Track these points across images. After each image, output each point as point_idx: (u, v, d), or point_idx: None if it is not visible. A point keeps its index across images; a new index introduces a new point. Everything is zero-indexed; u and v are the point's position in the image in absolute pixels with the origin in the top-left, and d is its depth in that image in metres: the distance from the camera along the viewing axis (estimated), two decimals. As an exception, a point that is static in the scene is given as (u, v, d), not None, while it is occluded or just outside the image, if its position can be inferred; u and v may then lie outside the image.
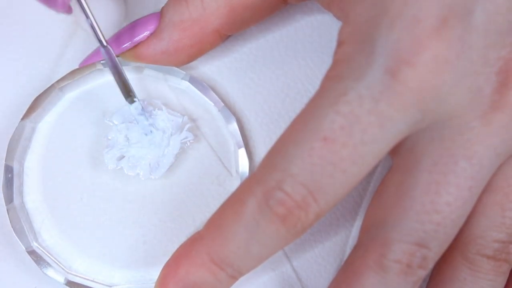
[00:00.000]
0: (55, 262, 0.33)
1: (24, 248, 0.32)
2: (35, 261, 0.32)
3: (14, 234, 0.32)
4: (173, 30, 0.32)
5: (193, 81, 0.34)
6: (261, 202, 0.26)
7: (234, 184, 0.34)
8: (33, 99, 0.33)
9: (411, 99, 0.25)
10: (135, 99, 0.32)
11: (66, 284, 0.32)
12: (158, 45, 0.32)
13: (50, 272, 0.32)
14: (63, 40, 0.35)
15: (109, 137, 0.33)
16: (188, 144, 0.34)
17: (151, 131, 0.33)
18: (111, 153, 0.33)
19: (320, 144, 0.25)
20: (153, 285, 0.28)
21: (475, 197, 0.27)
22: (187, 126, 0.33)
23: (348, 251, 0.34)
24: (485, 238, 0.29)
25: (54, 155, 0.34)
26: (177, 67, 0.33)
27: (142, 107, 0.32)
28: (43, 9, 0.35)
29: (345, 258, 0.32)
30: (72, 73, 0.33)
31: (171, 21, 0.32)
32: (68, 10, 0.29)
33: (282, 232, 0.26)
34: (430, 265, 0.27)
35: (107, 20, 0.34)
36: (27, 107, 0.33)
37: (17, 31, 0.35)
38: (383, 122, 0.25)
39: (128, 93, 0.32)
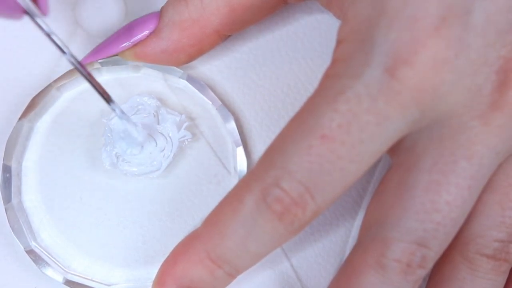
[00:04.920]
0: (54, 261, 0.33)
1: (23, 248, 0.32)
2: (34, 261, 0.32)
3: (13, 234, 0.32)
4: (173, 30, 0.32)
5: (191, 79, 0.34)
6: (259, 199, 0.26)
7: (232, 182, 0.34)
8: (31, 98, 0.33)
9: (409, 98, 0.25)
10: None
11: (65, 284, 0.32)
12: (157, 44, 0.32)
13: (49, 271, 0.32)
14: (63, 40, 0.35)
15: (107, 135, 0.33)
16: (186, 142, 0.34)
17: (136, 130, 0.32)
18: (108, 152, 0.33)
19: (318, 142, 0.25)
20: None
21: (475, 196, 0.27)
22: (185, 124, 0.33)
23: (348, 251, 0.34)
24: (485, 238, 0.29)
25: (52, 154, 0.34)
26: (177, 66, 0.33)
27: (122, 111, 0.31)
28: (43, 9, 0.35)
29: (345, 258, 0.32)
30: (70, 73, 0.33)
31: (170, 20, 0.32)
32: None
33: (279, 229, 0.26)
34: (430, 264, 0.27)
35: (107, 20, 0.34)
36: (25, 106, 0.33)
37: (16, 30, 0.35)
38: (381, 120, 0.25)
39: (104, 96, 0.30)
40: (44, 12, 0.27)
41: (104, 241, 0.33)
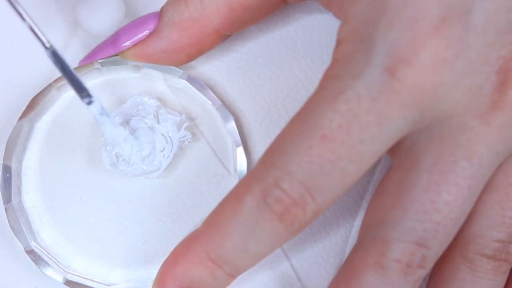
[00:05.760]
0: (54, 261, 0.33)
1: (23, 248, 0.32)
2: (34, 261, 0.32)
3: (13, 234, 0.32)
4: (173, 30, 0.32)
5: (191, 79, 0.34)
6: (259, 200, 0.26)
7: (232, 182, 0.34)
8: (31, 98, 0.33)
9: (409, 98, 0.25)
10: (92, 99, 0.29)
11: (65, 284, 0.32)
12: (157, 44, 0.32)
13: (49, 271, 0.32)
14: (63, 40, 0.35)
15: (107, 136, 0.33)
16: (186, 142, 0.34)
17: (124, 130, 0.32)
18: (108, 152, 0.33)
19: (318, 142, 0.25)
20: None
21: (474, 196, 0.27)
22: (185, 124, 0.33)
23: (348, 251, 0.34)
24: (485, 238, 0.29)
25: (52, 154, 0.34)
26: (177, 66, 0.33)
27: (102, 107, 0.30)
28: (43, 9, 0.35)
29: (345, 258, 0.32)
30: (70, 73, 0.33)
31: (170, 20, 0.32)
32: None
33: (280, 230, 0.26)
34: (430, 264, 0.27)
35: (107, 20, 0.34)
36: (25, 106, 0.33)
37: (17, 30, 0.35)
38: (381, 120, 0.25)
39: (81, 93, 0.29)
40: None
41: (104, 241, 0.33)
